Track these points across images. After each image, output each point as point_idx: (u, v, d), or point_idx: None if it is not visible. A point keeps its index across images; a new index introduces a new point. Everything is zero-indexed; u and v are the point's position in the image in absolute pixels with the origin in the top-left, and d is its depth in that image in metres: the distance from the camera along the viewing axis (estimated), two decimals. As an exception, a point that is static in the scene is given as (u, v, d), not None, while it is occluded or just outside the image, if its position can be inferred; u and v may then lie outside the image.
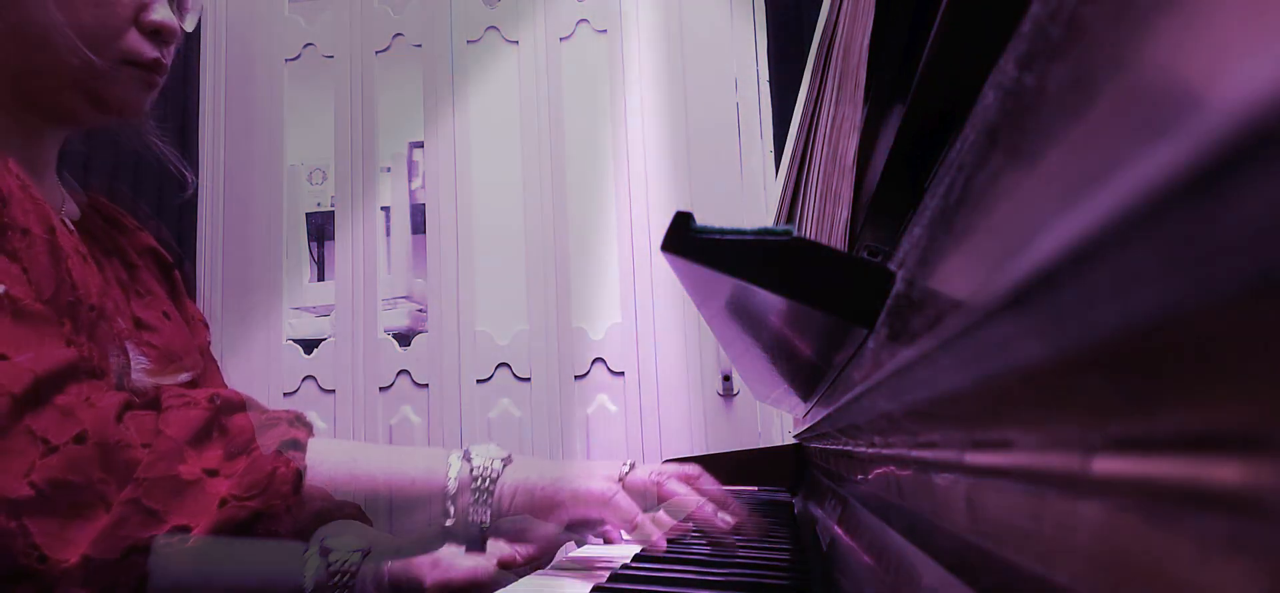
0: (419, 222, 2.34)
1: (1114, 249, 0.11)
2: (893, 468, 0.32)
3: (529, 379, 2.08)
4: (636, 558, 0.60)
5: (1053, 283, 0.13)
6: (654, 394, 2.01)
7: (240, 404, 0.59)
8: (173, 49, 0.74)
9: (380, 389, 2.14)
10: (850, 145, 0.45)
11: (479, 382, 2.10)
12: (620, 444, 2.02)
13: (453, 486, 0.60)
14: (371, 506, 0.60)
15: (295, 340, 2.22)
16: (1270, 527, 0.08)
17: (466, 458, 0.62)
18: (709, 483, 0.65)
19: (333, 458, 0.59)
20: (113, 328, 0.65)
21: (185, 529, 0.52)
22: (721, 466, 1.18)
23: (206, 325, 0.88)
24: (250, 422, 0.58)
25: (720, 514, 0.62)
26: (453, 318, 2.12)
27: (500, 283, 2.13)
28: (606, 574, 0.55)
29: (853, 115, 0.45)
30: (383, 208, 2.30)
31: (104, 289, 0.67)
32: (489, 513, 0.60)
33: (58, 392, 0.53)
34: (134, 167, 2.03)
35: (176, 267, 0.84)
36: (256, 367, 2.17)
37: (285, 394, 2.16)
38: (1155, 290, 0.10)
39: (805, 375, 0.63)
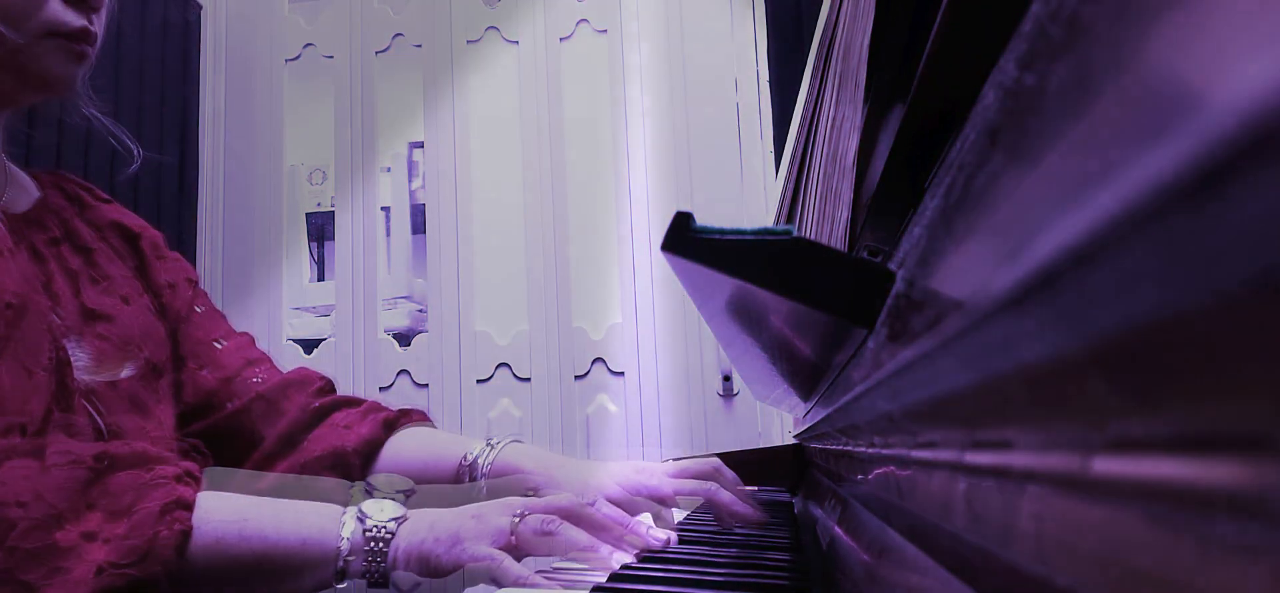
0: (419, 222, 2.34)
1: (1114, 249, 0.11)
2: (893, 468, 0.32)
3: (529, 379, 2.08)
4: (638, 558, 0.60)
5: (1053, 283, 0.13)
6: (654, 394, 2.01)
7: (130, 459, 0.56)
8: (102, 14, 0.70)
9: (380, 389, 2.14)
10: (850, 145, 0.45)
11: (479, 382, 2.10)
12: (620, 444, 2.02)
13: (345, 546, 0.58)
14: (260, 567, 0.57)
15: (295, 340, 2.22)
16: (1270, 527, 0.08)
17: (360, 519, 0.59)
18: (606, 510, 0.62)
19: (220, 517, 0.56)
20: (42, 324, 0.62)
21: None
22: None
23: (193, 281, 0.84)
24: (133, 480, 0.55)
25: (614, 554, 0.59)
26: (453, 318, 2.12)
27: (500, 283, 2.13)
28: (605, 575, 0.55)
29: (853, 115, 0.45)
30: (383, 208, 2.30)
31: (36, 283, 0.64)
32: (383, 574, 0.58)
33: None
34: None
35: (143, 235, 0.81)
36: (256, 367, 2.17)
37: (285, 394, 2.16)
38: (1155, 290, 0.10)
39: (805, 375, 0.63)
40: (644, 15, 2.13)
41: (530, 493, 0.75)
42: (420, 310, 2.26)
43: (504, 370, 2.10)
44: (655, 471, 0.77)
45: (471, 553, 0.58)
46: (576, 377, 2.06)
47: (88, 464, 0.54)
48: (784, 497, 1.11)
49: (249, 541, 0.57)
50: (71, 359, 0.64)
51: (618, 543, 0.60)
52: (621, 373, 2.04)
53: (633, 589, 0.49)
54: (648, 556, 0.61)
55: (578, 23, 2.17)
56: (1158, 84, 0.10)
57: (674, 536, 0.63)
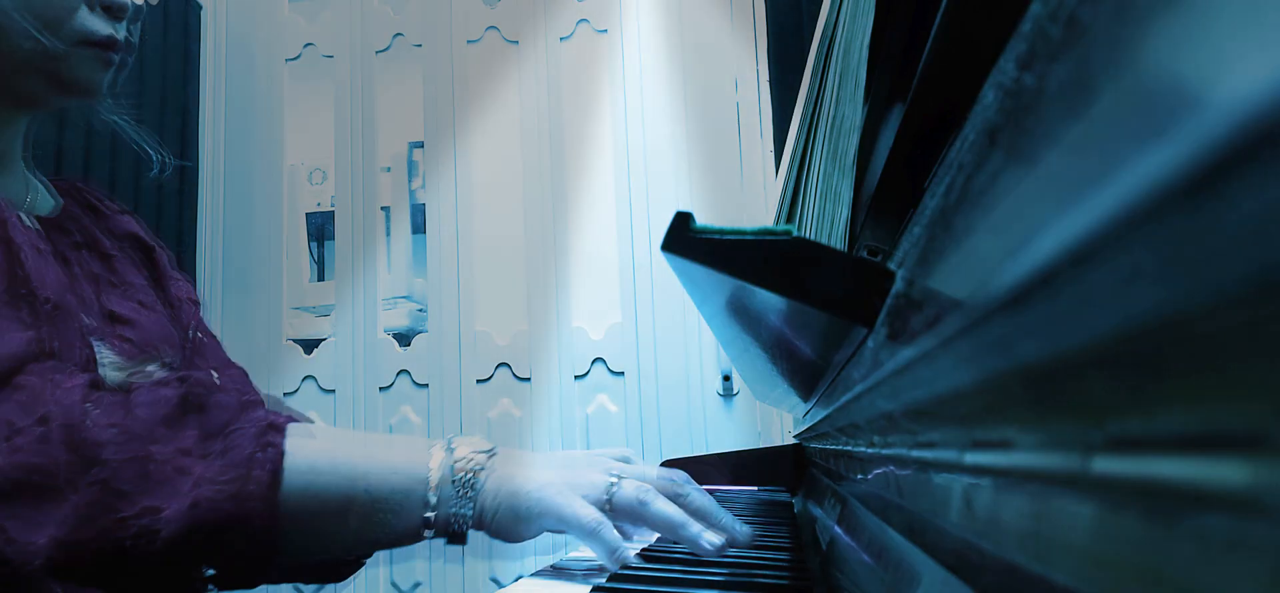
0: (419, 222, 2.34)
1: (1113, 249, 0.11)
2: (892, 468, 0.32)
3: (529, 379, 2.08)
4: (639, 557, 0.60)
5: (1052, 283, 0.13)
6: (654, 394, 2.01)
7: (213, 387, 0.56)
8: (134, 25, 0.72)
9: (380, 389, 2.14)
10: (850, 145, 0.45)
11: (479, 382, 2.10)
12: (620, 444, 2.02)
13: (435, 475, 0.57)
14: (352, 501, 0.56)
15: (295, 340, 2.22)
16: (1270, 527, 0.08)
17: (449, 449, 0.59)
18: (696, 495, 0.61)
19: (312, 444, 0.56)
20: (75, 324, 0.63)
21: (156, 511, 0.49)
22: (721, 466, 1.18)
23: (196, 303, 0.85)
24: (226, 403, 0.55)
25: (705, 535, 0.59)
26: (453, 318, 2.12)
27: (500, 283, 2.13)
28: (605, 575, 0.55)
29: (853, 115, 0.45)
30: (383, 208, 2.30)
31: (66, 285, 0.65)
32: (472, 508, 0.57)
33: (18, 376, 0.52)
34: (134, 161, 2.03)
35: (157, 249, 0.82)
36: (257, 367, 2.17)
37: (285, 394, 2.16)
38: (1154, 290, 0.10)
39: (805, 375, 0.63)
40: (644, 15, 2.13)
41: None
42: (420, 310, 2.26)
43: (504, 370, 2.10)
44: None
45: (571, 509, 0.57)
46: (576, 377, 2.06)
47: (174, 386, 0.54)
48: (784, 497, 1.11)
49: (340, 469, 0.56)
50: (99, 358, 0.65)
51: (707, 527, 0.59)
52: (621, 373, 2.04)
53: (633, 589, 0.49)
54: (648, 555, 0.61)
55: (578, 23, 2.17)
56: (1157, 84, 0.10)
57: (743, 529, 0.61)
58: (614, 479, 0.59)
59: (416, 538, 0.58)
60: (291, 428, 0.56)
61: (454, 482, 0.57)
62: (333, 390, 2.16)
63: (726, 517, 0.60)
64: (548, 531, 0.59)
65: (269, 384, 2.16)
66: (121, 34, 0.71)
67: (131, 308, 0.73)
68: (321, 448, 0.57)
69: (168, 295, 0.80)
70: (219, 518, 0.51)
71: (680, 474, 0.63)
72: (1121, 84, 0.11)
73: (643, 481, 0.60)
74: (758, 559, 0.60)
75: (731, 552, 0.59)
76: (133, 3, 0.72)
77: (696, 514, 0.60)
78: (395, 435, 0.63)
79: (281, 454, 0.54)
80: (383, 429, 2.13)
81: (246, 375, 0.87)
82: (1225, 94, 0.08)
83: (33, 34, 0.65)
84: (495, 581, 2.03)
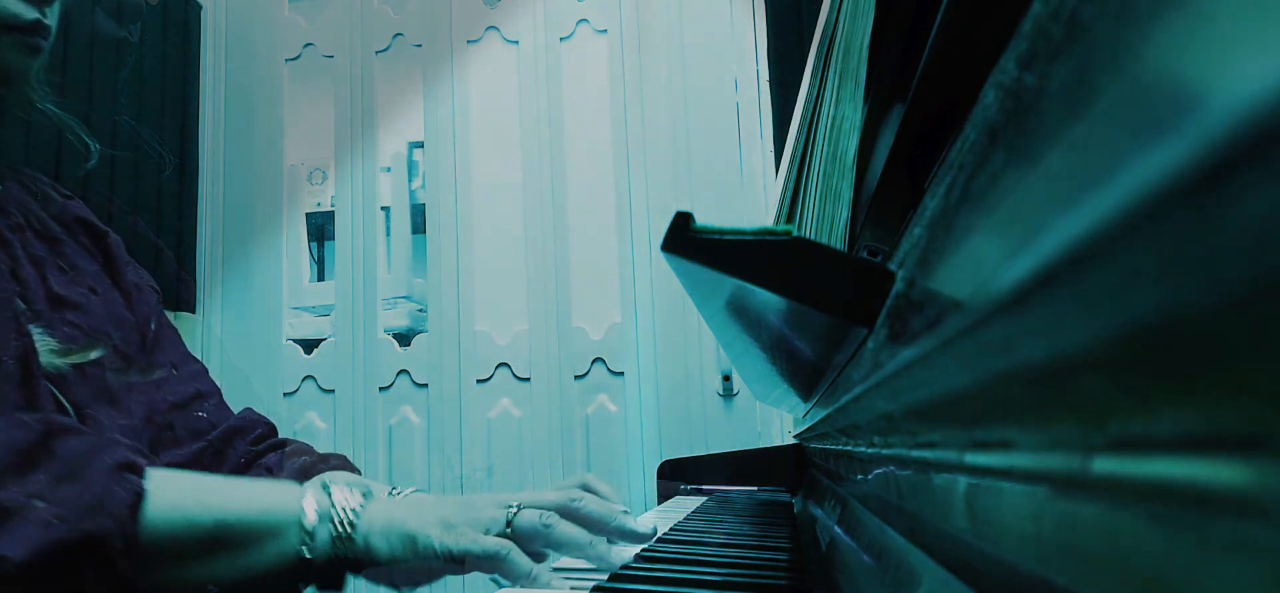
0: (419, 222, 2.34)
1: (1114, 249, 0.11)
2: (892, 468, 0.32)
3: (529, 379, 2.08)
4: (637, 557, 0.60)
5: (1053, 283, 0.13)
6: (654, 394, 2.01)
7: (71, 428, 0.54)
8: (55, 8, 0.69)
9: (380, 389, 2.14)
10: (850, 145, 0.45)
11: (479, 382, 2.10)
12: (620, 444, 2.02)
13: (311, 515, 0.55)
14: (219, 538, 0.54)
15: (295, 340, 2.22)
16: (1270, 527, 0.08)
17: (325, 489, 0.57)
18: (592, 506, 0.60)
19: (177, 481, 0.54)
20: (9, 309, 0.61)
21: (5, 559, 0.47)
22: (721, 466, 1.18)
23: (156, 291, 0.82)
24: (84, 444, 0.52)
25: (613, 552, 0.57)
26: (453, 318, 2.12)
27: (500, 283, 2.13)
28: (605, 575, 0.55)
29: (853, 115, 0.45)
30: (383, 208, 2.30)
31: (4, 267, 0.63)
32: (356, 548, 0.55)
33: None
34: (133, 161, 2.03)
35: (109, 235, 0.79)
36: (257, 367, 2.17)
37: (285, 394, 2.16)
38: (1155, 290, 0.10)
39: (805, 375, 0.63)
40: (644, 15, 2.13)
41: None
42: (420, 310, 2.26)
43: (504, 370, 2.10)
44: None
45: (475, 541, 0.55)
46: (576, 377, 2.06)
47: (34, 428, 0.52)
48: (784, 497, 1.11)
49: (208, 506, 0.54)
50: (37, 344, 0.62)
51: (609, 538, 0.59)
52: (621, 373, 2.04)
53: (633, 589, 0.49)
54: (647, 555, 0.61)
55: (578, 23, 2.17)
56: (1157, 84, 0.10)
57: (660, 524, 0.62)
58: (511, 507, 0.58)
59: (297, 578, 0.56)
60: (154, 471, 0.54)
61: (333, 521, 0.56)
62: (332, 390, 2.16)
63: (626, 522, 0.60)
64: (450, 572, 0.57)
65: (269, 384, 2.16)
66: (49, 19, 0.68)
67: (80, 293, 0.70)
68: (187, 486, 0.55)
69: (121, 281, 0.78)
70: (72, 556, 0.49)
71: (576, 490, 0.61)
72: (1122, 84, 0.11)
73: (538, 507, 0.58)
74: (757, 560, 0.60)
75: (731, 552, 0.59)
76: None
77: (594, 526, 0.59)
78: (264, 480, 0.62)
79: (140, 493, 0.52)
80: (383, 429, 2.13)
81: (205, 370, 0.84)
82: (1226, 94, 0.08)
83: None
84: (495, 580, 2.03)
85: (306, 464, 0.78)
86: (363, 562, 0.57)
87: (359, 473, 0.80)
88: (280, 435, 0.84)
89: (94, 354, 0.67)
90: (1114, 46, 0.11)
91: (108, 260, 0.78)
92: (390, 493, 0.71)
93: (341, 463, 0.81)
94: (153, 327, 0.80)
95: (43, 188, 0.77)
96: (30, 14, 0.67)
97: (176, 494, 0.54)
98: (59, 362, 0.64)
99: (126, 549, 0.51)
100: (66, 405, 0.65)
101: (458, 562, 0.57)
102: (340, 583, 0.57)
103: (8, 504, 0.48)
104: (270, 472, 0.79)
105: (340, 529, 0.56)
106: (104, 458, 0.52)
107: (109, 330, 0.71)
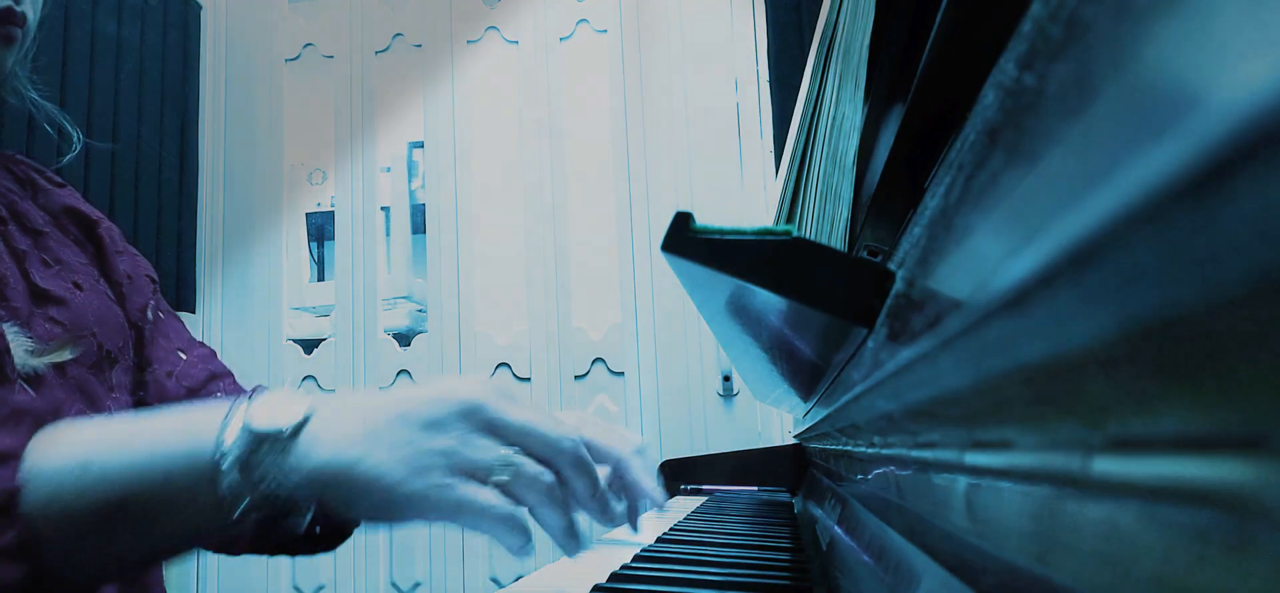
0: (419, 222, 2.34)
1: (1113, 249, 0.11)
2: (892, 468, 0.32)
3: (529, 379, 2.08)
4: (637, 557, 0.60)
5: (1052, 283, 0.13)
6: (654, 394, 2.01)
7: None
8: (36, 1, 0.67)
9: (380, 389, 2.14)
10: (850, 145, 0.45)
11: (479, 382, 2.10)
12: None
13: (226, 456, 0.43)
14: (115, 517, 0.44)
15: (295, 340, 2.22)
16: (1270, 527, 0.08)
17: (247, 418, 0.44)
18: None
19: (55, 464, 0.45)
20: None
21: None
22: (721, 466, 1.18)
23: (154, 279, 0.78)
24: None
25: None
26: (453, 318, 2.12)
27: (500, 283, 2.13)
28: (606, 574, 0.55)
29: (853, 115, 0.45)
30: (383, 208, 2.30)
31: None
32: (291, 494, 0.43)
33: None
34: (136, 162, 2.03)
35: (101, 223, 0.75)
36: (257, 367, 2.17)
37: (285, 394, 2.16)
38: (1154, 290, 0.10)
39: (805, 375, 0.63)
40: (644, 15, 2.13)
41: None
42: (420, 310, 2.26)
43: (504, 371, 2.10)
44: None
45: (463, 494, 0.43)
46: (576, 377, 2.06)
47: None
48: (784, 497, 1.11)
49: (93, 486, 0.44)
50: (11, 344, 0.59)
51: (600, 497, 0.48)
52: (621, 373, 2.04)
53: (633, 589, 0.49)
54: (647, 554, 0.61)
55: (578, 23, 2.17)
56: (1157, 84, 0.10)
57: (660, 523, 0.54)
58: (512, 461, 0.45)
59: (218, 520, 0.44)
60: (33, 443, 0.46)
61: (261, 441, 0.44)
62: (333, 390, 2.16)
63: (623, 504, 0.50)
64: (428, 521, 0.44)
65: (269, 384, 2.16)
66: (26, 8, 0.67)
67: (64, 287, 0.68)
68: (68, 456, 0.46)
69: (112, 273, 0.75)
70: None
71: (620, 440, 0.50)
72: (1121, 84, 0.11)
73: (538, 474, 0.46)
74: (758, 559, 0.60)
75: (732, 552, 0.58)
76: None
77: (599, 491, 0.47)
78: (173, 417, 0.47)
79: (13, 491, 0.44)
80: (383, 429, 2.13)
81: (213, 353, 0.81)
82: (1225, 94, 0.08)
83: None
84: (495, 581, 2.03)
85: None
86: (303, 507, 0.45)
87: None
88: None
89: (71, 353, 0.63)
90: (1114, 46, 0.11)
91: (98, 251, 0.75)
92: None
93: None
94: (150, 317, 0.76)
95: (31, 175, 0.75)
96: (3, 2, 0.65)
97: (58, 470, 0.45)
98: (34, 361, 0.60)
99: (20, 553, 0.43)
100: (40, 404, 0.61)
101: (436, 518, 0.44)
102: (289, 513, 0.45)
103: None
104: None
105: (270, 467, 0.44)
106: None
107: (92, 327, 0.68)
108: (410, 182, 2.42)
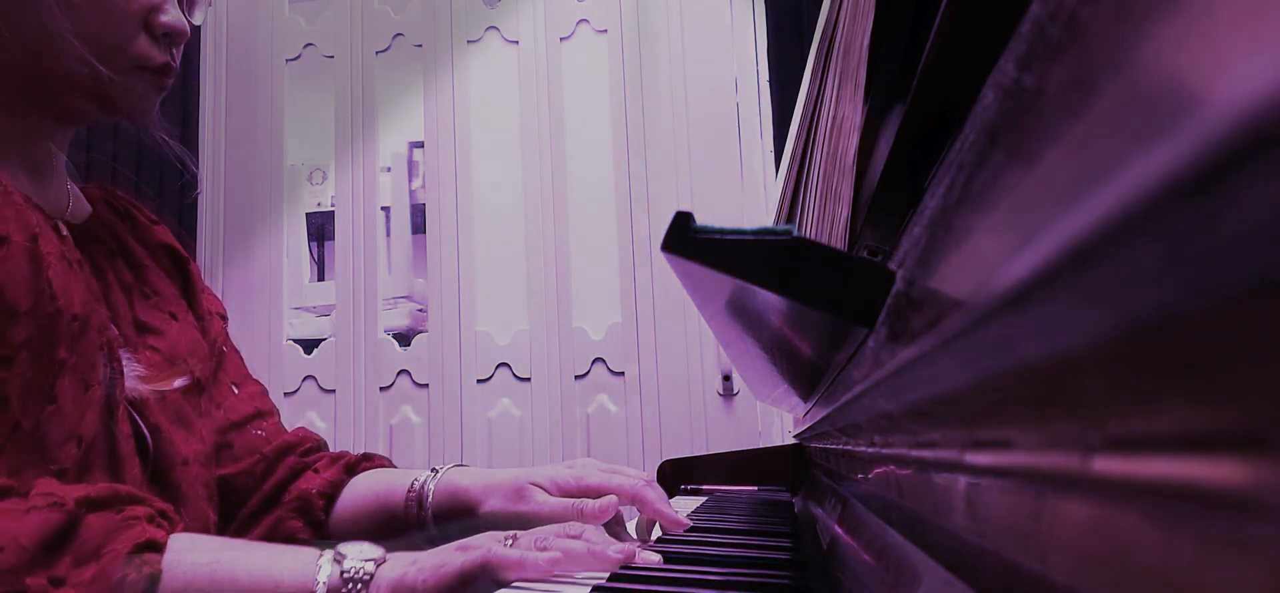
0: (419, 222, 2.34)
1: (1113, 249, 0.11)
2: (893, 467, 0.32)
3: (529, 379, 2.08)
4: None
5: (1052, 282, 0.13)
6: (654, 394, 2.01)
7: (106, 500, 0.56)
8: (181, 48, 0.72)
9: (380, 389, 2.14)
10: (850, 145, 0.45)
11: (479, 382, 2.10)
12: (620, 444, 2.02)
13: (321, 588, 0.56)
14: None
15: (295, 340, 2.22)
16: (1270, 527, 0.08)
17: (337, 559, 0.58)
18: (591, 533, 0.61)
19: (191, 558, 0.55)
20: (103, 337, 0.64)
21: None
22: (721, 466, 1.18)
23: (223, 317, 0.86)
24: (105, 523, 0.54)
25: (609, 549, 0.58)
26: (453, 318, 2.12)
27: (500, 283, 2.13)
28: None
29: (853, 115, 0.45)
30: (383, 208, 2.30)
31: (95, 296, 0.65)
32: None
33: None
34: (137, 161, 2.03)
35: (191, 260, 0.83)
36: (257, 367, 2.17)
37: (285, 394, 2.16)
38: (1154, 290, 0.10)
39: (805, 375, 0.63)
40: (644, 15, 2.13)
41: (474, 510, 0.75)
42: (420, 310, 2.26)
43: (504, 370, 2.10)
44: (589, 465, 0.76)
45: (463, 561, 0.56)
46: (576, 377, 2.06)
47: (67, 508, 0.53)
48: (784, 497, 1.11)
49: (219, 584, 0.55)
50: (125, 370, 0.65)
51: (598, 564, 0.59)
52: (621, 373, 2.04)
53: (633, 589, 0.49)
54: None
55: (578, 23, 2.17)
56: (1157, 84, 0.10)
57: (650, 554, 0.61)
58: (507, 541, 0.59)
59: None
60: (173, 541, 0.56)
61: (344, 589, 0.57)
62: (333, 390, 2.16)
63: (611, 549, 0.59)
64: None
65: (269, 384, 2.16)
66: (177, 61, 0.71)
67: (162, 319, 0.73)
68: (201, 560, 0.56)
69: (198, 306, 0.81)
70: None
71: (577, 527, 0.62)
72: (1121, 84, 0.11)
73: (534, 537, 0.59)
74: (758, 559, 0.60)
75: (732, 552, 0.59)
76: (190, 29, 0.72)
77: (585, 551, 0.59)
78: (285, 547, 0.63)
79: (156, 574, 0.53)
80: (383, 429, 2.13)
81: (264, 391, 0.88)
82: (1225, 94, 0.08)
83: (87, 60, 0.65)
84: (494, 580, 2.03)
85: (350, 462, 0.83)
86: None
87: (394, 467, 0.85)
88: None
89: (175, 382, 0.69)
90: (1113, 46, 0.11)
91: (186, 285, 0.81)
92: (433, 472, 0.76)
93: (383, 462, 0.85)
94: (223, 349, 0.83)
95: (130, 210, 0.79)
96: (162, 57, 0.70)
97: (191, 570, 0.55)
98: (143, 388, 0.66)
99: None
100: (143, 429, 0.67)
101: (459, 587, 0.57)
102: None
103: (33, 590, 0.50)
104: (316, 473, 0.82)
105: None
106: (123, 538, 0.54)
107: (186, 357, 0.73)
108: (410, 182, 2.42)
